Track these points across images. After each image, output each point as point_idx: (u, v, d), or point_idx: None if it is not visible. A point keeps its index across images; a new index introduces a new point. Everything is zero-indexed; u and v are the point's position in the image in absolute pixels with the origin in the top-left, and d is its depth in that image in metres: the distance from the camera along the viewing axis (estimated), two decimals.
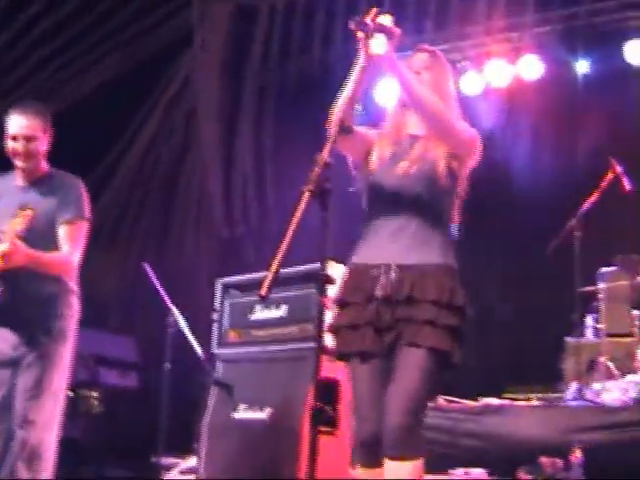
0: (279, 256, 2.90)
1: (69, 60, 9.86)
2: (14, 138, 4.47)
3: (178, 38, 10.10)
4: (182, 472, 6.52)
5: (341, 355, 3.56)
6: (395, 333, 3.41)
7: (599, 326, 7.38)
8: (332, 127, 3.27)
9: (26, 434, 4.29)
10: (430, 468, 3.64)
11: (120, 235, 10.11)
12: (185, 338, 6.23)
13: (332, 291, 4.73)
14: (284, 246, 2.91)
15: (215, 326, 6.06)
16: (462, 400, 7.11)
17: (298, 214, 2.96)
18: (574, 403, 6.79)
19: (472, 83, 9.33)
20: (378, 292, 3.44)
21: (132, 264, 9.65)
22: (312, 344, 5.48)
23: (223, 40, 10.04)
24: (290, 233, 2.93)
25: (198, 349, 5.97)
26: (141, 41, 9.94)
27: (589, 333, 7.74)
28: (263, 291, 2.89)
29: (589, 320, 7.74)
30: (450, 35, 9.40)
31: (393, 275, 3.44)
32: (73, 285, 4.56)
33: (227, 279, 6.12)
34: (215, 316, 6.06)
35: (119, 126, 9.95)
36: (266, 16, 9.99)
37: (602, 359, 7.16)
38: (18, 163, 4.52)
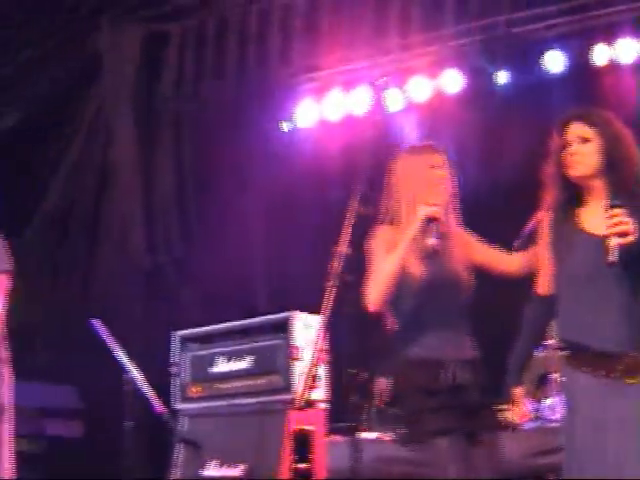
0: (314, 359, 2.76)
1: None
2: None
3: (86, 65, 9.78)
4: None
5: None
6: None
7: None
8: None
9: None
10: None
11: (44, 273, 9.73)
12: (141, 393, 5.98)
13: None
14: (318, 344, 2.78)
15: (175, 380, 5.89)
16: None
17: (326, 312, 2.83)
18: (532, 424, 6.77)
19: (394, 99, 9.29)
20: None
21: (57, 303, 9.36)
22: (281, 396, 5.41)
23: (135, 66, 9.74)
24: (323, 328, 2.80)
25: (159, 405, 5.76)
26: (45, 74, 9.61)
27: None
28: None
29: None
30: (368, 51, 9.33)
31: None
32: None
33: (184, 331, 5.95)
34: (174, 370, 5.89)
35: (33, 165, 9.59)
36: (178, 40, 9.75)
37: (554, 375, 7.14)
38: None
